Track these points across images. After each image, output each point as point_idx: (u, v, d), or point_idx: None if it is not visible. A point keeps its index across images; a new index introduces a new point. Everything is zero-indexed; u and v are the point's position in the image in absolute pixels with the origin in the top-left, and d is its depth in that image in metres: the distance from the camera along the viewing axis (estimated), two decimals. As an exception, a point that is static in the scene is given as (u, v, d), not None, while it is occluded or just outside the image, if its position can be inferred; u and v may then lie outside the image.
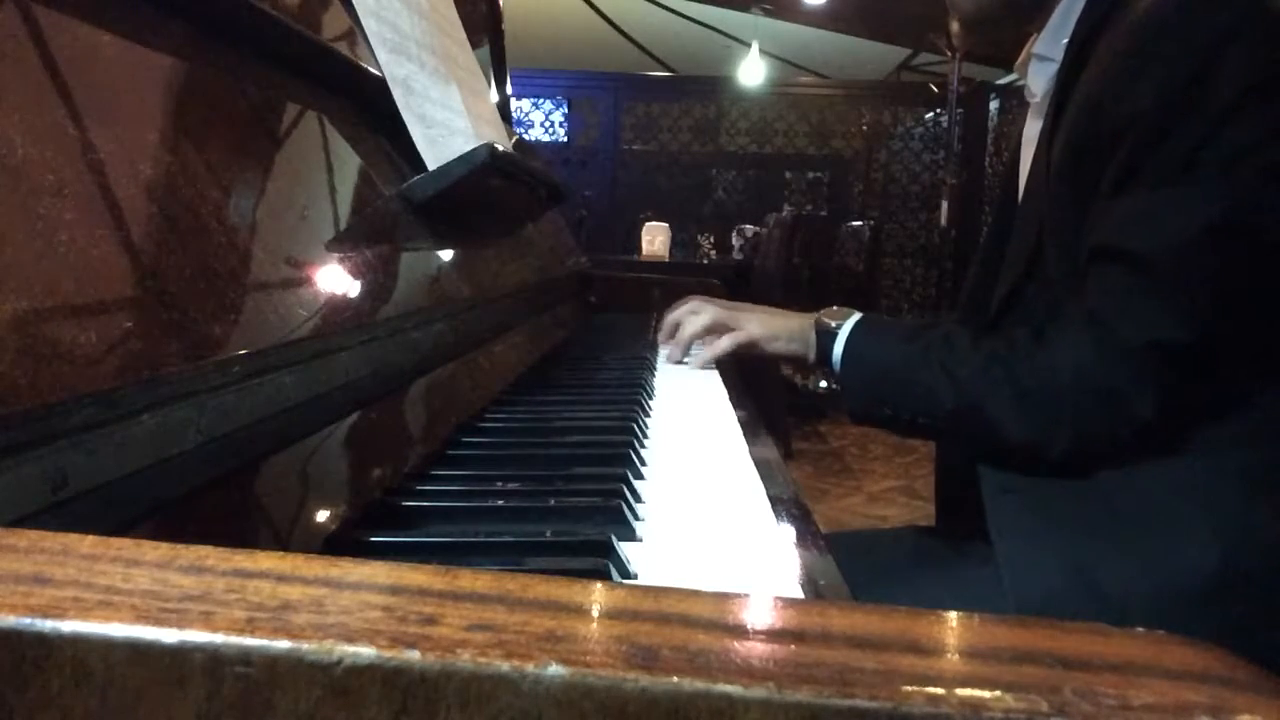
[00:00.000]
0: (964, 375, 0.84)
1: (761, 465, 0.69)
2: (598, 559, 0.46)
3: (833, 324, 0.96)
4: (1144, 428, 0.77)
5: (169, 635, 0.20)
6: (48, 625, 0.20)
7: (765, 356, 1.07)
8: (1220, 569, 0.74)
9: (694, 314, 1.15)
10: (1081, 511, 0.81)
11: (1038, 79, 0.95)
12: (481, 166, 0.83)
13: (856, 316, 0.96)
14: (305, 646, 0.19)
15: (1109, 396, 0.77)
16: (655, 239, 4.62)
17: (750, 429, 0.82)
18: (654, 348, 1.29)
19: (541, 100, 6.21)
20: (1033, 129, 0.97)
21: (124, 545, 0.24)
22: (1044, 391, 0.80)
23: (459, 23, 1.16)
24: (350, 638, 0.20)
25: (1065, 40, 0.88)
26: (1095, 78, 0.81)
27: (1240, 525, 0.76)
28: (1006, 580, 0.81)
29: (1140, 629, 0.22)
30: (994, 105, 5.71)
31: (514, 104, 1.89)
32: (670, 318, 1.20)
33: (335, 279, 0.59)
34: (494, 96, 1.61)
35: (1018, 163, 1.02)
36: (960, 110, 5.52)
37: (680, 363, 1.18)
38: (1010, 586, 0.81)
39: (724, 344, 1.08)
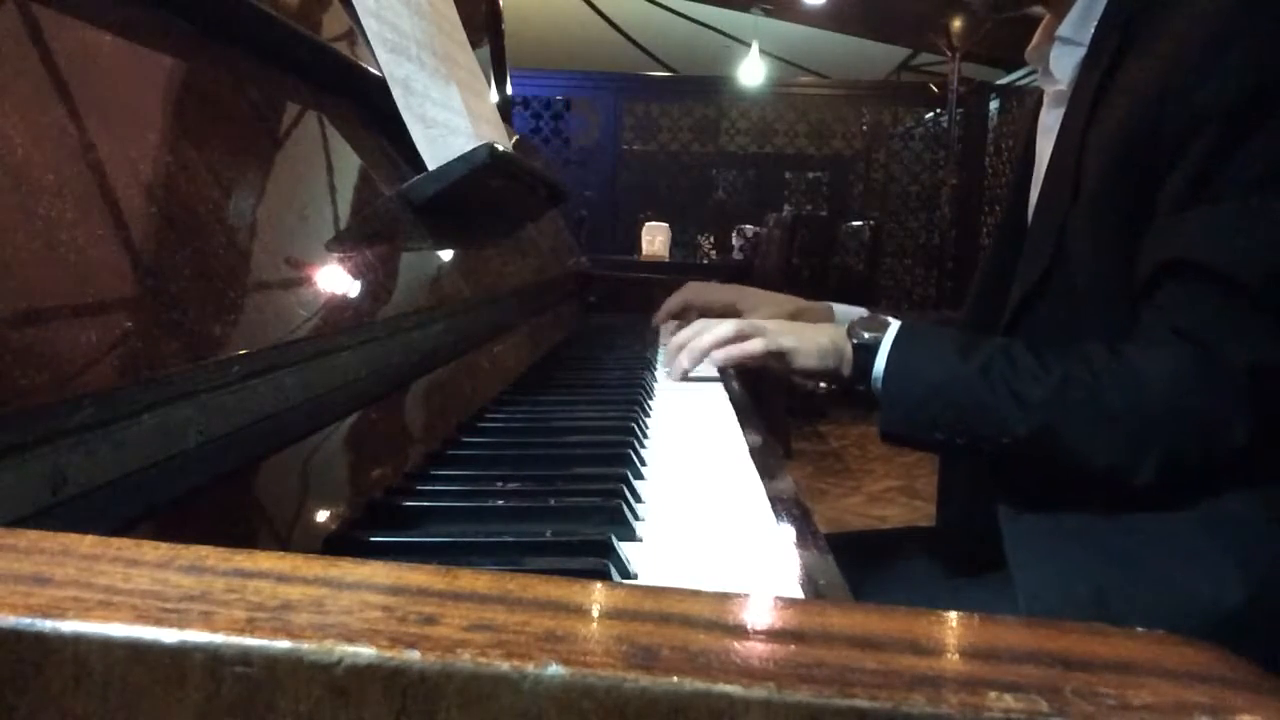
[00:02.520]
0: (1037, 398, 0.75)
1: (761, 465, 0.69)
2: (598, 559, 0.46)
3: (868, 336, 0.86)
4: (1234, 454, 0.72)
5: (169, 635, 0.20)
6: (48, 625, 0.20)
7: (791, 372, 0.93)
8: (1245, 605, 0.71)
9: (708, 330, 0.97)
10: (1103, 540, 0.78)
11: (1061, 65, 0.88)
12: (481, 166, 0.83)
13: (895, 327, 0.85)
14: (305, 646, 0.19)
15: (1206, 420, 0.72)
16: (655, 239, 4.63)
17: (749, 430, 0.82)
18: (654, 347, 1.29)
19: (542, 100, 6.22)
20: (1051, 117, 0.91)
21: (124, 545, 0.24)
22: (1133, 414, 0.73)
23: (459, 23, 1.16)
24: (350, 638, 0.20)
25: (1094, 24, 0.83)
26: (1149, 68, 0.75)
27: (1266, 559, 0.73)
28: (1022, 604, 0.79)
29: (1140, 629, 0.22)
30: (994, 105, 5.71)
31: (513, 104, 1.89)
32: (677, 338, 1.01)
33: (335, 279, 0.59)
34: (494, 96, 1.61)
35: (1031, 154, 0.97)
36: (960, 110, 5.52)
37: (685, 378, 1.02)
38: (1025, 610, 0.78)
39: (753, 346, 0.92)
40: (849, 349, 0.88)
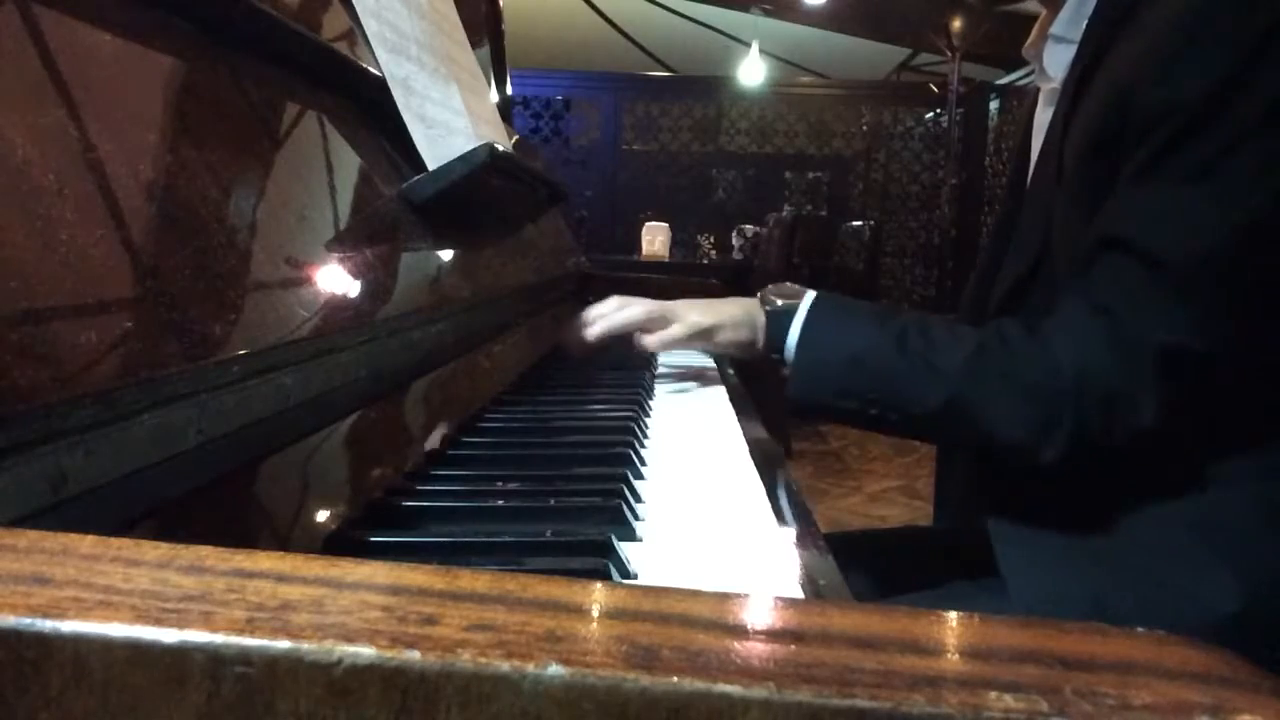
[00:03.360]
0: (948, 368, 0.76)
1: (761, 465, 0.69)
2: (598, 559, 0.46)
3: (781, 303, 0.86)
4: (1143, 435, 0.72)
5: (169, 635, 0.20)
6: (48, 625, 0.20)
7: (716, 350, 0.97)
8: (1241, 608, 0.71)
9: (621, 309, 1.00)
10: (1097, 545, 0.77)
11: (1054, 62, 0.89)
12: (481, 166, 0.83)
13: (811, 296, 0.86)
14: (305, 646, 0.19)
15: (1113, 396, 0.72)
16: (655, 239, 4.62)
17: (749, 429, 0.82)
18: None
19: (542, 100, 6.21)
20: (1045, 116, 0.91)
21: (124, 545, 0.24)
22: (1042, 387, 0.73)
23: (459, 23, 1.16)
24: (350, 638, 0.20)
25: (1085, 22, 0.83)
26: (1125, 63, 0.76)
27: (1262, 563, 0.73)
28: (1016, 608, 0.78)
29: (1140, 629, 0.22)
30: (994, 105, 5.71)
31: (513, 104, 1.89)
32: (589, 312, 1.03)
33: (335, 279, 0.59)
34: (494, 96, 1.61)
35: (1027, 153, 0.98)
36: (960, 110, 5.53)
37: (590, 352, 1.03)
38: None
39: (655, 341, 0.97)
40: (761, 318, 0.88)
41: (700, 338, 0.95)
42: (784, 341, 0.85)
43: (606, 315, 1.01)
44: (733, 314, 0.92)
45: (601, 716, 0.19)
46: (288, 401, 0.48)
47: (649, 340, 0.98)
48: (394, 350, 0.65)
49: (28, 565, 0.22)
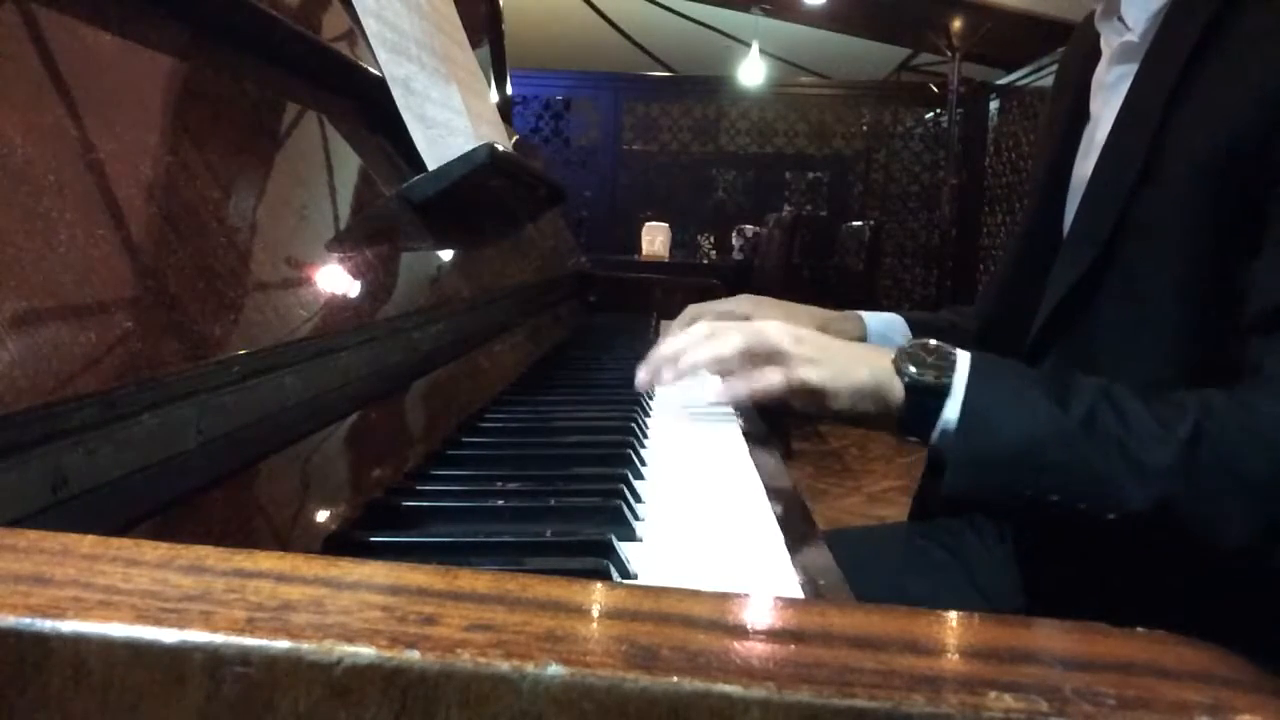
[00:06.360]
0: (1160, 463, 0.61)
1: (761, 465, 0.69)
2: (598, 559, 0.46)
3: (924, 375, 0.68)
4: None
5: (169, 635, 0.20)
6: (48, 625, 0.20)
7: (820, 415, 0.77)
8: None
9: (711, 339, 0.76)
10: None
11: (1136, 7, 0.76)
12: (481, 166, 0.83)
13: (966, 365, 0.68)
14: (305, 646, 0.19)
15: None
16: (655, 239, 4.62)
17: (749, 430, 0.82)
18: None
19: (541, 100, 6.22)
20: (1115, 75, 0.79)
21: (124, 545, 0.24)
22: (1275, 479, 0.60)
23: (459, 23, 1.16)
24: (350, 638, 0.20)
25: None
26: (1266, 50, 0.65)
27: None
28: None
29: (1140, 629, 0.22)
30: (994, 105, 5.70)
31: (513, 104, 1.89)
32: (673, 344, 0.79)
33: (335, 279, 0.59)
34: (494, 96, 1.61)
35: (1081, 113, 0.85)
36: (960, 110, 5.52)
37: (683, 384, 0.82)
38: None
39: (768, 382, 0.72)
40: (897, 388, 0.69)
41: (807, 397, 0.71)
42: (932, 424, 0.68)
43: (692, 347, 0.77)
44: (858, 379, 0.70)
45: (601, 716, 0.19)
46: (288, 401, 0.48)
47: (724, 391, 0.75)
48: (394, 350, 0.65)
49: (28, 565, 0.22)
